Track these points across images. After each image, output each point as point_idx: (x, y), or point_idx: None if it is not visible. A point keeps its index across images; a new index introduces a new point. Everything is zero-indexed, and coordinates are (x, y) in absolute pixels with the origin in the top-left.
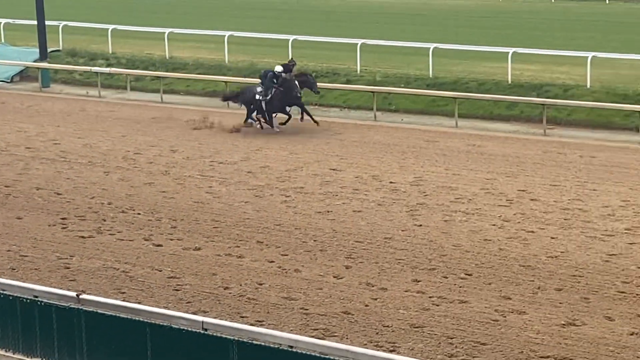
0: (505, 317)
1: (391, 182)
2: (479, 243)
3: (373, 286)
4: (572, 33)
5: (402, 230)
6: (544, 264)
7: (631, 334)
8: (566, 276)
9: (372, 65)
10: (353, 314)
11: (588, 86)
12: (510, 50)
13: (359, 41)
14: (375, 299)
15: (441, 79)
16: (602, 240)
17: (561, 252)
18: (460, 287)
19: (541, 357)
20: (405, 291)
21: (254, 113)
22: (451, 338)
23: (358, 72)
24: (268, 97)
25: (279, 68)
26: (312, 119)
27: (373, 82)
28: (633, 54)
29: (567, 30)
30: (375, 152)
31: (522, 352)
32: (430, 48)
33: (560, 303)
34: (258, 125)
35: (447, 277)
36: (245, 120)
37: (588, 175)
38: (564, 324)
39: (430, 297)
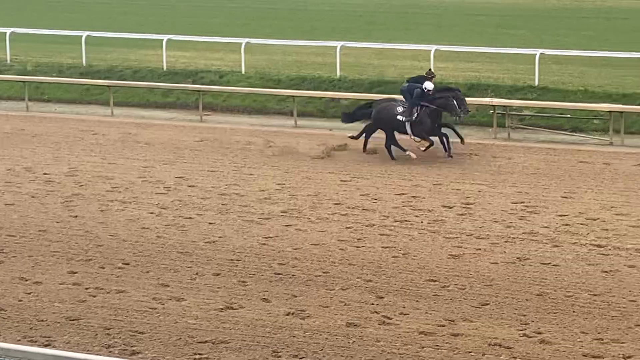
0: (163, 304)
1: (45, 174)
2: (136, 232)
3: (27, 280)
4: (227, 20)
5: (57, 222)
6: (202, 249)
7: (287, 314)
8: (224, 261)
9: (24, 55)
10: (6, 310)
11: (243, 72)
12: (165, 37)
13: (8, 30)
14: (29, 294)
15: (95, 67)
16: (259, 224)
17: (219, 237)
18: (118, 276)
19: (199, 342)
20: (61, 284)
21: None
22: (108, 329)
23: (8, 61)
24: (414, 118)
25: (429, 85)
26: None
27: (24, 71)
28: (285, 39)
29: (222, 17)
30: (28, 143)
31: (181, 338)
32: (82, 36)
33: (218, 288)
34: (412, 153)
35: (104, 268)
36: (365, 145)
37: (245, 160)
38: (222, 308)
39: (86, 288)
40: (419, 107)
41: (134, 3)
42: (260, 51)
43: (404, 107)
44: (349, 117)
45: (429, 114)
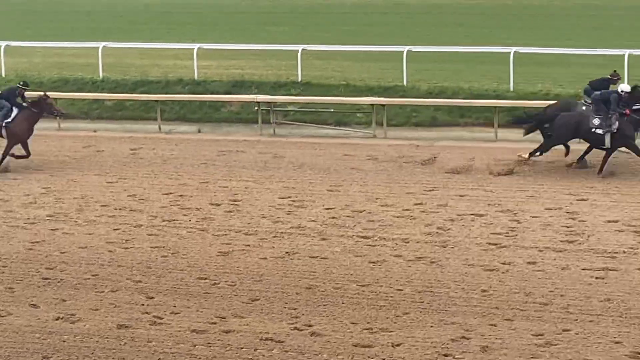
0: None
1: None
2: None
3: None
4: None
5: None
6: None
7: (56, 319)
8: None
9: None
10: None
11: (3, 75)
12: None
13: None
14: None
15: None
16: (24, 229)
17: None
18: None
19: None
20: None
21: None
22: None
23: None
24: (614, 128)
25: (626, 87)
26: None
27: None
28: (45, 41)
29: None
30: None
31: None
32: None
33: None
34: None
35: None
36: (568, 155)
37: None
38: None
39: None
40: (617, 116)
41: None
42: (20, 53)
43: (599, 118)
44: (522, 123)
45: (631, 121)
